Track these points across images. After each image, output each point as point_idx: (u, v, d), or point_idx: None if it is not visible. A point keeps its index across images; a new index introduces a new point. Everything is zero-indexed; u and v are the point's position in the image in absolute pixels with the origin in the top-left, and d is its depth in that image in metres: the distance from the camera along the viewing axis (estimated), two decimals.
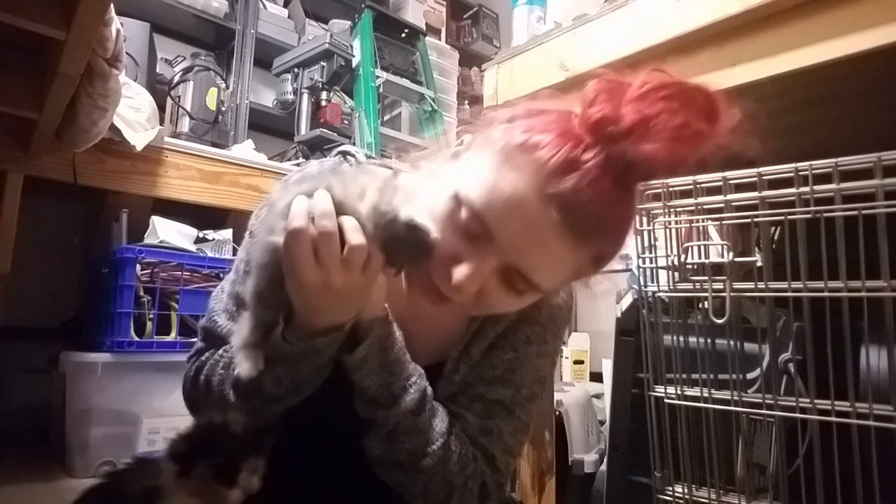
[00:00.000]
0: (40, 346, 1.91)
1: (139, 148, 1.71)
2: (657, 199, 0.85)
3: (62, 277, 2.10)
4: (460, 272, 0.60)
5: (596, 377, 2.46)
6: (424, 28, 3.14)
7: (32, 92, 1.25)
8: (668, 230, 0.86)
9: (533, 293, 0.64)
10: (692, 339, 0.85)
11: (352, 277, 0.55)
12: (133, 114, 1.72)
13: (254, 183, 2.05)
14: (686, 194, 0.83)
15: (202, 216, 1.98)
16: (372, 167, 0.75)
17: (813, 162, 0.72)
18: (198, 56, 2.32)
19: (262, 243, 0.59)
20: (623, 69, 0.63)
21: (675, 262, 0.86)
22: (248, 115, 2.45)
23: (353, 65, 2.63)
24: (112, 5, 1.05)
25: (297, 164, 2.31)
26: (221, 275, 1.76)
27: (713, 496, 0.83)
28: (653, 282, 0.89)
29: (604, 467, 1.55)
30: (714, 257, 0.83)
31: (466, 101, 3.29)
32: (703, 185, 0.81)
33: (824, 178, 0.71)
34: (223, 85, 2.35)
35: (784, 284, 0.75)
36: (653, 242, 0.88)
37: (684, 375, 0.86)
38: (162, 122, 2.01)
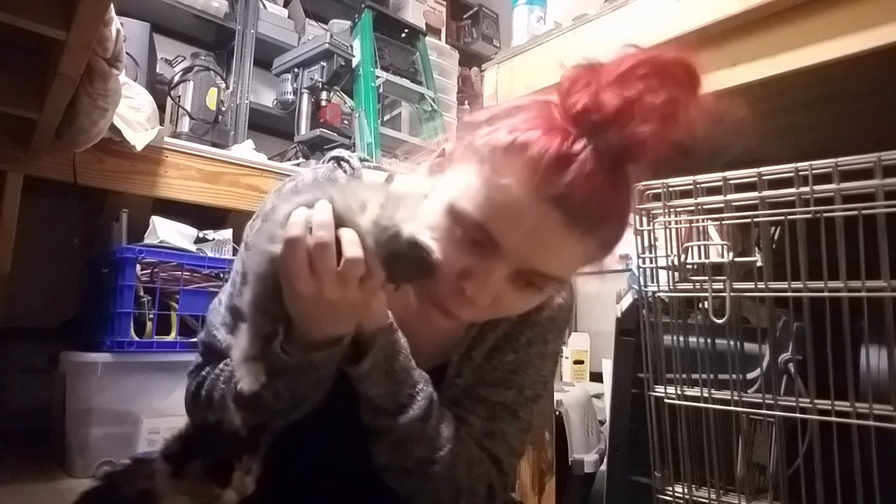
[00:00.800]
0: (40, 346, 1.91)
1: (139, 148, 1.71)
2: (657, 199, 0.85)
3: (62, 277, 2.10)
4: (472, 287, 0.59)
5: (596, 377, 2.46)
6: (424, 28, 3.14)
7: (32, 92, 1.25)
8: (668, 230, 0.86)
9: (550, 285, 0.63)
10: (692, 339, 0.85)
11: (348, 291, 0.54)
12: (133, 114, 1.72)
13: (254, 183, 2.05)
14: (686, 194, 0.83)
15: (202, 216, 1.98)
16: (373, 180, 0.74)
17: (813, 162, 0.72)
18: (198, 56, 2.32)
19: (260, 252, 0.58)
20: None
21: (675, 262, 0.86)
22: (248, 115, 2.45)
23: (353, 65, 2.63)
24: (112, 5, 1.05)
25: (297, 164, 2.31)
26: (221, 275, 1.76)
27: (713, 496, 0.83)
28: (653, 282, 0.89)
29: (604, 467, 1.55)
30: (714, 257, 0.83)
31: (466, 101, 3.29)
32: (703, 185, 0.81)
33: (824, 178, 0.71)
34: (223, 85, 2.35)
35: (784, 284, 0.75)
36: (653, 242, 0.88)
37: (684, 375, 0.86)
38: (162, 122, 2.01)
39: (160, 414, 1.62)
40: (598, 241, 0.61)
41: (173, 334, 1.69)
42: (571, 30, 1.08)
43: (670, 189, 0.83)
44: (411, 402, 0.64)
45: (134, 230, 1.78)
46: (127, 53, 1.42)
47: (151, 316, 1.65)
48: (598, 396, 2.19)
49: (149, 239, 1.76)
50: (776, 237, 0.81)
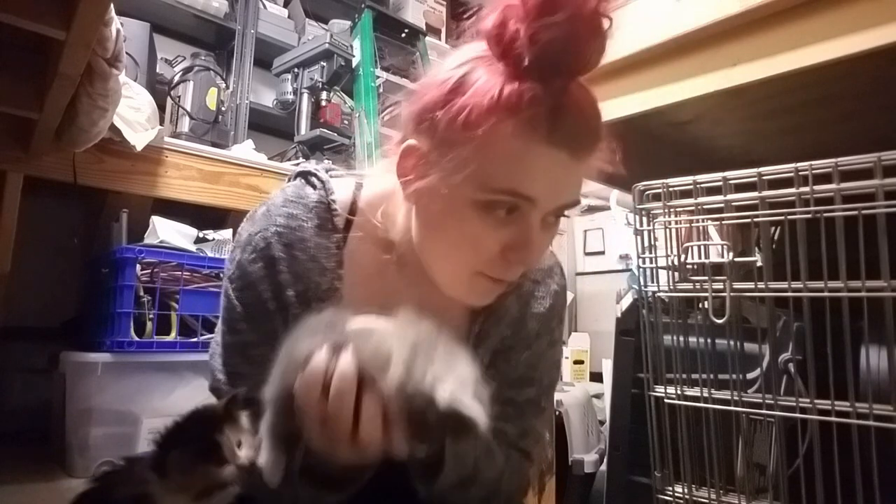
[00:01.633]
0: (40, 346, 1.90)
1: (139, 148, 1.71)
2: (657, 199, 0.85)
3: (62, 277, 2.10)
4: (520, 255, 0.61)
5: (596, 377, 2.46)
6: (424, 28, 3.14)
7: (32, 92, 1.25)
8: (668, 230, 0.86)
9: (573, 207, 0.64)
10: (692, 339, 0.85)
11: (362, 451, 0.51)
12: (133, 114, 1.72)
13: (254, 183, 2.05)
14: (686, 194, 0.83)
15: (202, 216, 1.98)
16: (408, 323, 0.62)
17: (813, 162, 0.72)
18: (198, 56, 2.32)
19: (277, 384, 0.53)
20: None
21: (675, 262, 0.86)
22: (248, 115, 2.44)
23: (353, 65, 2.63)
24: (112, 5, 1.05)
25: (297, 164, 2.31)
26: (221, 275, 1.75)
27: (713, 496, 0.83)
28: (653, 282, 0.89)
29: (604, 467, 1.55)
30: (714, 257, 0.83)
31: None
32: (703, 185, 0.81)
33: (824, 178, 0.71)
34: (223, 85, 2.35)
35: (784, 284, 0.76)
36: (653, 242, 0.88)
37: (684, 375, 0.86)
38: (162, 122, 2.01)
39: (160, 414, 1.62)
40: (599, 150, 0.62)
41: (173, 334, 1.69)
42: None
43: (670, 189, 0.83)
44: (477, 473, 0.66)
45: (134, 230, 1.78)
46: (127, 53, 1.42)
47: (151, 316, 1.65)
48: (598, 396, 2.20)
49: (149, 239, 1.76)
50: (776, 237, 0.81)
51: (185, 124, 2.20)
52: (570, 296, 3.02)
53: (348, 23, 2.81)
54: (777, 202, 0.75)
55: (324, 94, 2.54)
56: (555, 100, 0.56)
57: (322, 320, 0.56)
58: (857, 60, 0.77)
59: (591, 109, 0.60)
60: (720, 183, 0.79)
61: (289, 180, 0.77)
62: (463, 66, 0.60)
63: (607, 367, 2.06)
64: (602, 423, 1.96)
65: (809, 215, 0.72)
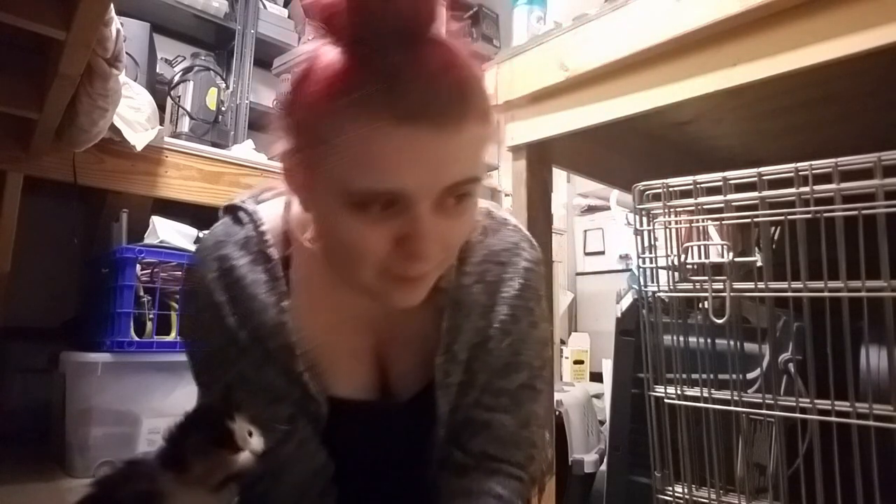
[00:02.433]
0: (40, 346, 1.91)
1: (139, 148, 1.71)
2: (657, 199, 0.85)
3: (62, 277, 2.10)
4: (412, 245, 0.54)
5: (596, 377, 2.46)
6: None
7: (32, 92, 1.25)
8: (668, 230, 0.86)
9: (472, 186, 0.57)
10: (692, 339, 0.85)
11: None
12: (133, 114, 1.72)
13: (254, 183, 2.05)
14: (686, 194, 0.83)
15: (202, 216, 1.98)
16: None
17: (813, 162, 0.72)
18: (198, 56, 2.32)
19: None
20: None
21: (675, 262, 0.86)
22: (248, 115, 2.45)
23: None
24: (112, 5, 1.05)
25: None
26: None
27: (713, 496, 0.83)
28: (653, 282, 0.89)
29: (604, 467, 1.55)
30: (714, 257, 0.83)
31: None
32: (703, 185, 0.81)
33: (824, 178, 0.71)
34: (223, 85, 2.35)
35: (784, 284, 0.76)
36: (653, 242, 0.88)
37: (684, 375, 0.86)
38: (162, 122, 2.01)
39: (160, 414, 1.62)
40: (474, 115, 0.54)
41: (173, 334, 1.69)
42: (571, 30, 1.08)
43: (670, 189, 0.83)
44: None
45: (134, 230, 1.78)
46: (127, 53, 1.42)
47: (151, 316, 1.65)
48: (598, 396, 2.20)
49: (149, 239, 1.76)
50: (776, 237, 0.81)
51: (185, 124, 2.20)
52: (570, 296, 3.03)
53: None
54: (777, 202, 0.75)
55: None
56: (393, 69, 0.49)
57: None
58: (858, 60, 0.76)
59: (447, 72, 0.52)
60: (720, 183, 0.79)
61: (220, 216, 0.73)
62: (311, 53, 0.54)
63: (607, 367, 2.06)
64: (602, 423, 1.96)
65: (809, 215, 0.72)
